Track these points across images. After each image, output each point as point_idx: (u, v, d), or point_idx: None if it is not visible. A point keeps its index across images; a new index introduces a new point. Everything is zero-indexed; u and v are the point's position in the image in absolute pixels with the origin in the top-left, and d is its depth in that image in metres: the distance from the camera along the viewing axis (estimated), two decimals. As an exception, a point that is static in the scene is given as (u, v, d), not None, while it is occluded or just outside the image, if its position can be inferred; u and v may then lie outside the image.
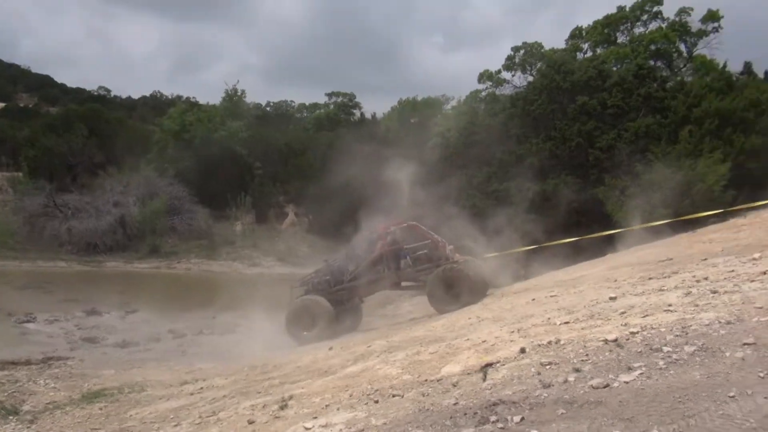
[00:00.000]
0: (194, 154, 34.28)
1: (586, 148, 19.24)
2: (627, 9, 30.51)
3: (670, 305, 5.51)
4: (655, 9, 29.87)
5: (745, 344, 3.97)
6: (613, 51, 27.95)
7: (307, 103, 61.67)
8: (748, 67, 21.30)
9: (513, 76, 34.90)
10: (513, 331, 6.16)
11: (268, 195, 35.80)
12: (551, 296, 8.00)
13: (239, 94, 40.40)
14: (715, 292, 5.69)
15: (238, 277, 26.74)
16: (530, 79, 34.12)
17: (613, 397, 3.56)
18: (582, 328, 5.43)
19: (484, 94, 34.27)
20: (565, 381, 4.02)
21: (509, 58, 34.36)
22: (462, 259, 13.04)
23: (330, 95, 56.62)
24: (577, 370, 4.17)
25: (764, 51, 54.14)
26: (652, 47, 27.42)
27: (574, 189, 18.93)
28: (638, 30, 30.80)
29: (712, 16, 27.23)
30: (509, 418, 3.56)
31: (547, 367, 4.45)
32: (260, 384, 7.39)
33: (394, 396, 5.06)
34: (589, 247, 16.33)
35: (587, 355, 4.50)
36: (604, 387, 3.75)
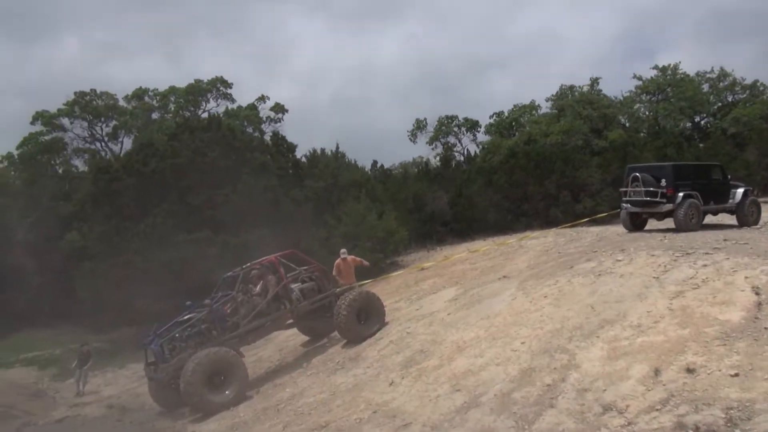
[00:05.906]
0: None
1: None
2: (205, 83, 32.93)
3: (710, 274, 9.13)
4: (227, 90, 33.63)
5: None
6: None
7: None
8: (320, 151, 27.38)
9: (72, 123, 31.10)
10: (672, 306, 8.33)
11: None
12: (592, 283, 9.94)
13: None
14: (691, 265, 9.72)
15: None
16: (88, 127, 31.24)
17: None
18: (717, 292, 8.30)
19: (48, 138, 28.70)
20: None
21: (70, 104, 30.47)
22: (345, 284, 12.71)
23: None
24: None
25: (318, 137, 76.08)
26: (245, 123, 30.92)
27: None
28: (210, 105, 33.76)
29: (279, 108, 33.18)
30: None
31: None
32: None
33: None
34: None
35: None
36: None
